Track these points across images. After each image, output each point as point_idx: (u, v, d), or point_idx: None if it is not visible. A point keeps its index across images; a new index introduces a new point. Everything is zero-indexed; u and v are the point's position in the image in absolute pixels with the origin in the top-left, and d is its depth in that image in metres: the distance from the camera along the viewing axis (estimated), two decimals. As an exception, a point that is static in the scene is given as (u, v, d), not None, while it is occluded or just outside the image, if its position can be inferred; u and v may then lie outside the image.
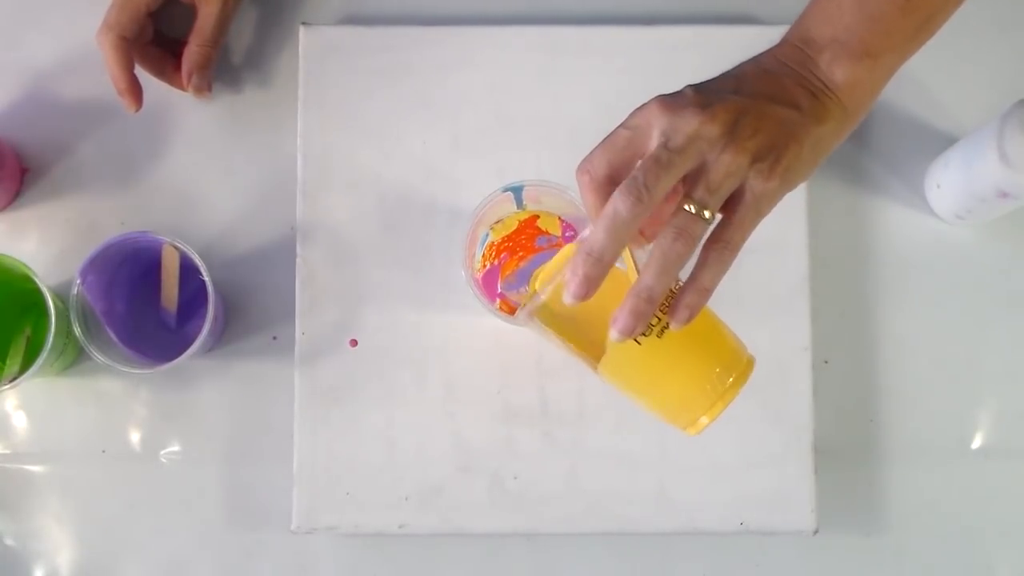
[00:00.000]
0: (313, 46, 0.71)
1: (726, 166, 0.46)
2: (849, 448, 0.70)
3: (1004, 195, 0.63)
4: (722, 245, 0.47)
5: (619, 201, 0.45)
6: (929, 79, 0.73)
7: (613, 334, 0.46)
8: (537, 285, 0.54)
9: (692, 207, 0.46)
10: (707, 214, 0.46)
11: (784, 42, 0.52)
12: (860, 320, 0.71)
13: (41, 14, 0.73)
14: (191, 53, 0.68)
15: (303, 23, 0.71)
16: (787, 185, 0.48)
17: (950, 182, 0.68)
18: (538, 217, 0.68)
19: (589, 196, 0.48)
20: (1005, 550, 0.70)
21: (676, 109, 0.47)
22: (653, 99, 0.48)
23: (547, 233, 0.68)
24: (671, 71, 0.70)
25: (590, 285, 0.46)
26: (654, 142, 0.46)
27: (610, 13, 0.73)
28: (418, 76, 0.70)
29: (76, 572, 0.69)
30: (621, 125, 0.48)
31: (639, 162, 0.46)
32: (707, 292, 0.48)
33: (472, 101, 0.70)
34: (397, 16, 0.73)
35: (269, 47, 0.73)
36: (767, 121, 0.47)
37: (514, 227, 0.68)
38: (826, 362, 0.71)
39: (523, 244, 0.68)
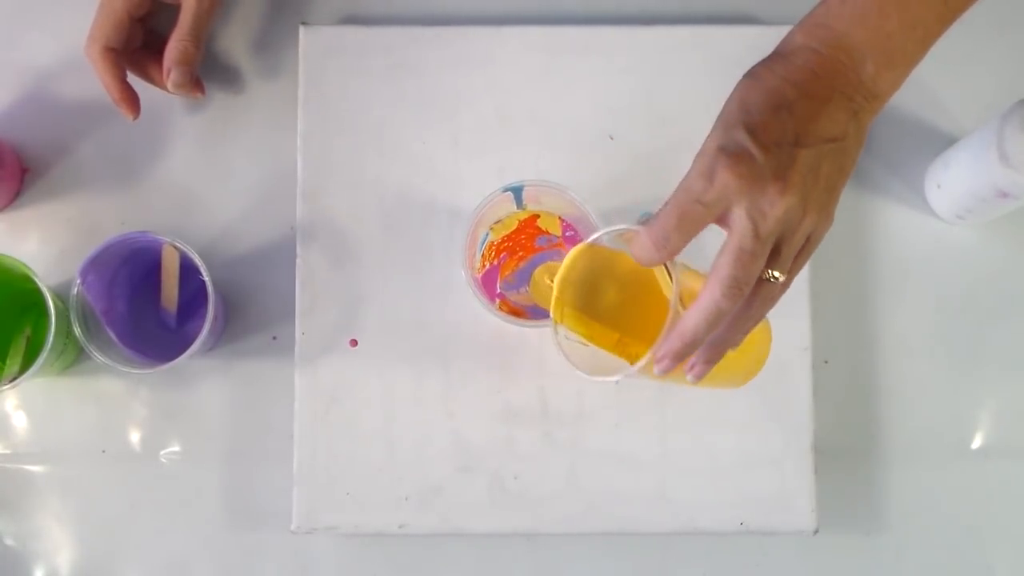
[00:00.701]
0: (313, 46, 0.71)
1: (804, 230, 0.48)
2: (849, 448, 0.70)
3: (1004, 195, 0.63)
4: (782, 288, 0.50)
5: (723, 300, 0.47)
6: (929, 79, 0.73)
7: (691, 378, 0.51)
8: (555, 283, 0.56)
9: (774, 277, 0.48)
10: (780, 276, 0.49)
11: (813, 49, 0.49)
12: (860, 320, 0.71)
13: (41, 14, 0.73)
14: (170, 49, 0.67)
15: (303, 23, 0.71)
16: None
17: (950, 182, 0.68)
18: (538, 217, 0.68)
19: (656, 260, 0.49)
20: (1005, 550, 0.70)
21: (755, 185, 0.46)
22: (722, 164, 0.46)
23: (547, 233, 0.68)
24: (671, 71, 0.71)
25: (679, 361, 0.50)
26: (740, 226, 0.47)
27: (610, 13, 0.73)
28: (418, 76, 0.70)
29: (76, 572, 0.69)
30: (695, 198, 0.47)
31: (732, 254, 0.47)
32: (760, 319, 0.51)
33: (472, 101, 0.70)
34: (397, 16, 0.73)
35: (269, 47, 0.73)
36: (825, 166, 0.48)
37: (514, 227, 0.68)
38: (826, 362, 0.71)
39: (523, 244, 0.68)
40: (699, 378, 0.51)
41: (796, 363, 0.68)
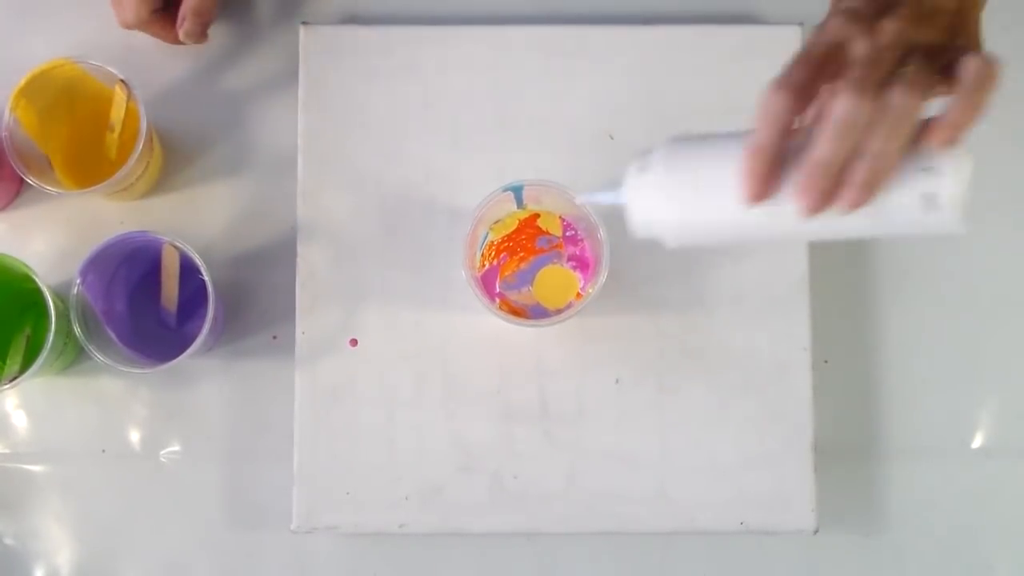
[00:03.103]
0: (313, 46, 0.71)
1: (919, 41, 0.45)
2: (849, 448, 0.70)
3: None
4: (911, 95, 0.44)
5: (849, 102, 0.43)
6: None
7: (847, 207, 0.45)
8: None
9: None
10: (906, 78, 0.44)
11: None
12: (860, 320, 0.71)
13: (41, 14, 0.73)
14: None
15: (303, 23, 0.71)
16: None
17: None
18: (538, 216, 0.68)
19: (775, 93, 0.45)
20: (1005, 550, 0.70)
21: (862, 18, 0.45)
22: (832, 15, 0.46)
23: (547, 233, 0.68)
24: (671, 71, 0.71)
25: (827, 195, 0.45)
26: (853, 41, 0.44)
27: (610, 13, 0.73)
28: (418, 76, 0.70)
29: (76, 572, 0.69)
30: (811, 42, 0.46)
31: (853, 66, 0.44)
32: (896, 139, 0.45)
33: (472, 101, 0.70)
34: (397, 16, 0.73)
35: (269, 47, 0.73)
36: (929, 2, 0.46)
37: (514, 227, 0.68)
38: (826, 362, 0.71)
39: (523, 245, 0.68)
40: (857, 205, 0.45)
41: (796, 363, 0.68)
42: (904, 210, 0.46)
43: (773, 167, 0.45)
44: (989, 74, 0.44)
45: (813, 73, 0.45)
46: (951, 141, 0.44)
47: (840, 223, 0.47)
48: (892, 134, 0.43)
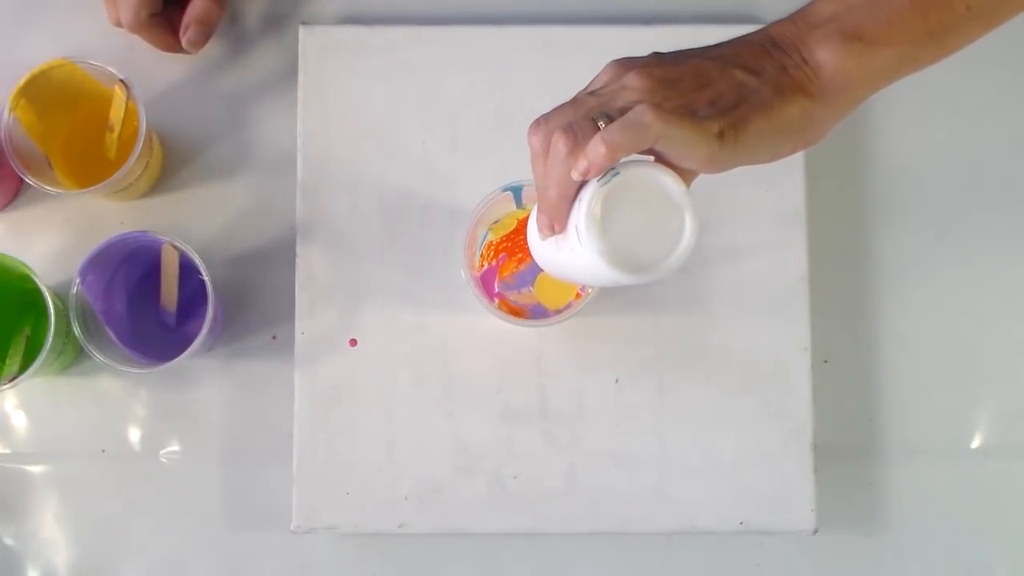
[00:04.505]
0: (313, 46, 0.71)
1: (623, 101, 0.46)
2: (849, 447, 0.70)
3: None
4: (567, 148, 0.47)
5: (530, 134, 0.48)
6: (929, 76, 0.72)
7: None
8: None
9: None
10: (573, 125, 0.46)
11: (785, 17, 0.49)
12: (860, 320, 0.71)
13: (41, 14, 0.73)
14: (194, 6, 0.67)
15: (303, 23, 0.71)
16: (733, 148, 0.46)
17: None
18: (538, 217, 0.68)
19: (535, 133, 0.49)
20: (1005, 550, 0.70)
21: (626, 67, 0.47)
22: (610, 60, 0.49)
23: (547, 233, 0.68)
24: (671, 71, 0.71)
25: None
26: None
27: (610, 13, 0.73)
28: (418, 76, 0.71)
29: (76, 572, 0.69)
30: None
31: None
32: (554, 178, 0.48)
33: (472, 101, 0.70)
34: (397, 16, 0.73)
35: (269, 47, 0.73)
36: (717, 81, 0.46)
37: (513, 227, 0.68)
38: (826, 362, 0.71)
39: (522, 245, 0.68)
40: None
41: (796, 363, 0.68)
42: (575, 244, 0.47)
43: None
44: (624, 126, 0.45)
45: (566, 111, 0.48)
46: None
47: (576, 268, 0.50)
48: (551, 169, 0.47)
